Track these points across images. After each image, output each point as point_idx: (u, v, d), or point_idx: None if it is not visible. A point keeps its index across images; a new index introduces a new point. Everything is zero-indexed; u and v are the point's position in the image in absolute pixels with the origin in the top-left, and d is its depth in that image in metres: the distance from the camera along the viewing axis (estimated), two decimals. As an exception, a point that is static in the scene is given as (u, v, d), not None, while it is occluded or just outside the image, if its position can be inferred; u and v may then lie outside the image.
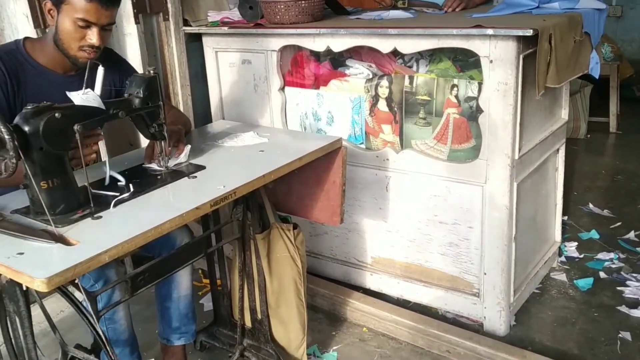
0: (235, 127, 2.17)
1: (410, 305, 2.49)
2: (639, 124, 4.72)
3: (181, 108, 2.74)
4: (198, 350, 2.29)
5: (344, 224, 2.55)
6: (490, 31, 1.92)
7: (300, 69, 2.57)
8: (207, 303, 2.60)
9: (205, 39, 2.72)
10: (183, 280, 1.93)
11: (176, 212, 1.41)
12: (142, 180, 1.64)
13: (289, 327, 2.06)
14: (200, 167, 1.72)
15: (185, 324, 1.98)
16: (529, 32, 1.85)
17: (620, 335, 2.27)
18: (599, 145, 4.44)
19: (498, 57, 1.98)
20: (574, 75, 2.26)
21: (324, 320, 2.48)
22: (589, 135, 4.56)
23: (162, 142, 1.68)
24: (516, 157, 2.09)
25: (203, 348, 2.30)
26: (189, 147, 1.78)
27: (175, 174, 1.68)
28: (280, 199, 2.08)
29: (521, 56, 1.97)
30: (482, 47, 1.99)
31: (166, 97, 2.78)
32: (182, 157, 1.76)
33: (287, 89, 2.57)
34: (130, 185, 1.57)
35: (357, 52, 2.51)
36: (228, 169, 1.73)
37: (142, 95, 1.59)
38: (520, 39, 1.94)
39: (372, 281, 2.58)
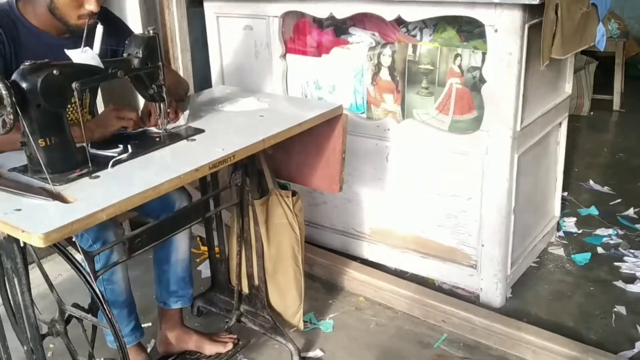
0: (236, 92, 2.15)
1: (408, 276, 2.49)
2: (643, 103, 4.69)
3: (181, 73, 2.72)
4: (195, 315, 2.31)
5: (343, 194, 2.56)
6: (496, -1, 1.89)
7: (303, 36, 2.54)
8: (204, 270, 2.61)
9: (206, 4, 2.68)
10: (181, 244, 1.93)
11: (174, 174, 1.40)
12: (140, 142, 1.63)
13: (286, 293, 2.07)
14: (200, 131, 1.71)
15: (182, 287, 1.99)
16: (535, 1, 1.82)
17: (615, 309, 2.28)
18: (602, 122, 4.41)
19: (503, 26, 1.95)
20: (580, 47, 2.23)
21: (321, 289, 2.49)
22: (592, 113, 4.53)
23: (162, 104, 1.66)
24: (518, 128, 2.08)
25: (200, 313, 2.31)
26: (187, 111, 1.76)
27: (174, 137, 1.66)
28: (279, 166, 2.07)
29: (526, 26, 1.95)
30: (487, 16, 1.96)
31: (166, 61, 2.76)
32: (181, 120, 1.74)
33: (288, 56, 2.55)
34: (129, 146, 1.56)
35: (360, 21, 2.48)
36: (227, 132, 1.71)
37: (141, 56, 1.57)
38: (526, 7, 1.91)
39: (370, 251, 2.59)
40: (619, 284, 2.43)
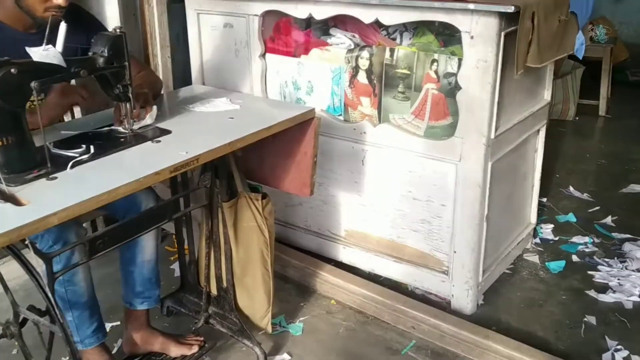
0: (209, 92, 2.13)
1: (381, 280, 2.49)
2: (629, 109, 4.69)
3: (160, 70, 2.69)
4: (165, 315, 2.29)
5: (319, 196, 2.54)
6: (471, 6, 1.87)
7: (283, 35, 2.52)
8: (177, 269, 2.59)
9: (187, 1, 2.65)
10: (147, 244, 1.91)
11: (133, 177, 1.38)
12: (105, 143, 1.61)
13: (254, 296, 2.06)
14: (166, 132, 1.69)
15: (148, 288, 1.97)
16: (511, 9, 1.81)
17: (585, 319, 2.28)
18: (587, 128, 4.41)
19: (479, 33, 1.93)
20: (558, 55, 2.22)
21: (293, 291, 2.48)
22: (577, 118, 4.53)
23: (127, 104, 1.64)
24: (492, 136, 2.07)
25: (170, 313, 2.30)
26: (155, 109, 1.74)
27: (140, 137, 1.64)
28: (251, 168, 2.05)
29: (503, 33, 1.93)
30: (464, 22, 1.95)
31: (145, 58, 2.73)
32: (148, 120, 1.72)
33: (268, 55, 2.52)
34: (91, 147, 1.54)
35: (342, 22, 2.46)
36: (194, 134, 1.69)
37: (106, 55, 1.54)
38: (502, 15, 1.89)
39: (344, 254, 2.57)
40: (591, 293, 2.43)
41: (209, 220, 1.99)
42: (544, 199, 3.20)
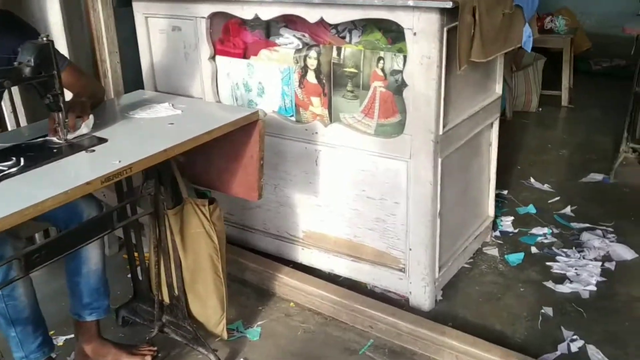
0: (153, 97, 2.09)
1: (341, 280, 2.47)
2: (592, 98, 4.73)
3: (110, 76, 2.64)
4: (120, 325, 2.25)
5: (275, 198, 2.52)
6: (411, 2, 1.86)
7: (232, 37, 2.49)
8: (135, 277, 2.56)
9: (135, 4, 2.61)
10: (92, 254, 1.87)
11: (61, 189, 1.34)
12: (37, 154, 1.57)
13: (207, 303, 2.03)
14: (102, 140, 1.65)
15: (96, 299, 1.93)
16: (449, 4, 1.80)
17: (542, 310, 2.29)
18: (549, 119, 4.44)
19: (421, 29, 1.92)
20: (505, 49, 2.22)
21: (252, 294, 2.46)
22: (540, 109, 4.56)
23: (60, 114, 1.60)
24: (440, 132, 2.06)
25: (125, 323, 2.26)
26: (91, 118, 1.70)
27: (74, 147, 1.61)
28: (199, 173, 2.03)
29: (445, 29, 1.92)
30: (406, 19, 1.94)
31: (94, 64, 2.68)
32: (84, 129, 1.68)
33: (217, 58, 2.49)
34: (22, 159, 1.50)
35: (293, 22, 2.43)
36: (131, 142, 1.66)
37: (33, 64, 1.51)
38: (443, 11, 1.88)
39: (303, 255, 2.56)
40: (549, 284, 2.44)
41: (156, 228, 1.96)
42: (505, 192, 3.21)
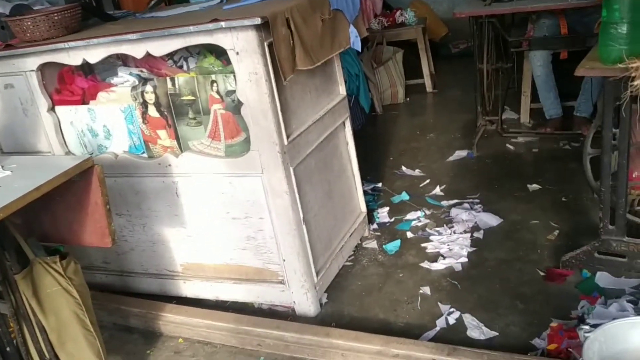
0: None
1: (228, 305, 2.47)
2: (453, 80, 4.98)
3: (-54, 146, 2.49)
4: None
5: (145, 236, 2.49)
6: (223, 24, 1.90)
7: (67, 85, 2.43)
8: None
9: (-39, 67, 2.49)
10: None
11: None
12: None
13: (82, 360, 1.96)
14: None
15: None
16: (257, 21, 1.85)
17: (421, 291, 2.39)
18: (417, 106, 4.64)
19: (242, 48, 1.96)
20: (333, 52, 2.30)
21: (139, 340, 2.40)
22: (408, 99, 4.76)
23: None
24: (285, 142, 2.11)
25: (5, 400, 2.13)
26: None
27: None
28: (48, 230, 1.95)
29: (266, 44, 1.97)
30: (226, 40, 1.97)
31: None
32: None
33: (57, 108, 2.42)
34: None
35: (130, 59, 2.41)
36: (-49, 214, 1.58)
37: None
38: (261, 27, 1.93)
39: (187, 289, 2.53)
40: (425, 264, 2.55)
41: (10, 295, 1.86)
42: (379, 184, 3.32)
